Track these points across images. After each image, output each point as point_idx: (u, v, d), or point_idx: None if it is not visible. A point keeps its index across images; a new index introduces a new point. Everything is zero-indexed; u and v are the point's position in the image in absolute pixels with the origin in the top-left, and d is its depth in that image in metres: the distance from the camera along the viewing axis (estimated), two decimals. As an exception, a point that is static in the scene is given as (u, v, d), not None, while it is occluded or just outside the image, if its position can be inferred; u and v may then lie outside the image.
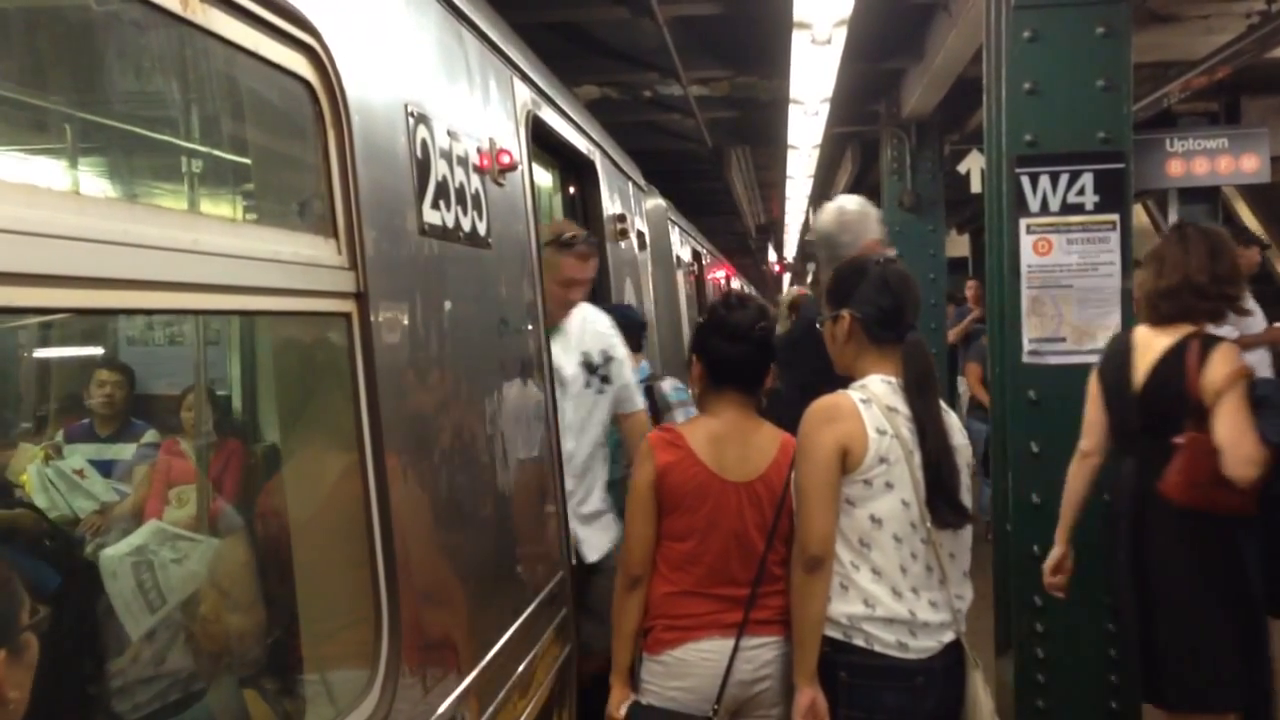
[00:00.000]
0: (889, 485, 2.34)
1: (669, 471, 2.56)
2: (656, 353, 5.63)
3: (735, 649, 2.48)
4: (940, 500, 2.36)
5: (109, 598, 2.67)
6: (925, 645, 2.35)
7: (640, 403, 3.65)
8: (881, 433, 2.35)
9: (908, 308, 2.51)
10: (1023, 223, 3.81)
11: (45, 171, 2.47)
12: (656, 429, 2.82)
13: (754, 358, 2.66)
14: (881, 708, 2.35)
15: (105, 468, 4.08)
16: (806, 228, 18.67)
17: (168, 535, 2.82)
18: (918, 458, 2.36)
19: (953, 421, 2.49)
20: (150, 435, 4.17)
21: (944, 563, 2.38)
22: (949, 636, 2.39)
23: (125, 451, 4.16)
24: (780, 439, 2.64)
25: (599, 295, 4.17)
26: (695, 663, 2.51)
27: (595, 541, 3.38)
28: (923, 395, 2.42)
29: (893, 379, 2.45)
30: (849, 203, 3.42)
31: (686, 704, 2.50)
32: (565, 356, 3.40)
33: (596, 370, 3.45)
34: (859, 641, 2.35)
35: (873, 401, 2.39)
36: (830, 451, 2.34)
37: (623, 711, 2.54)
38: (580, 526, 3.30)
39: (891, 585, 2.33)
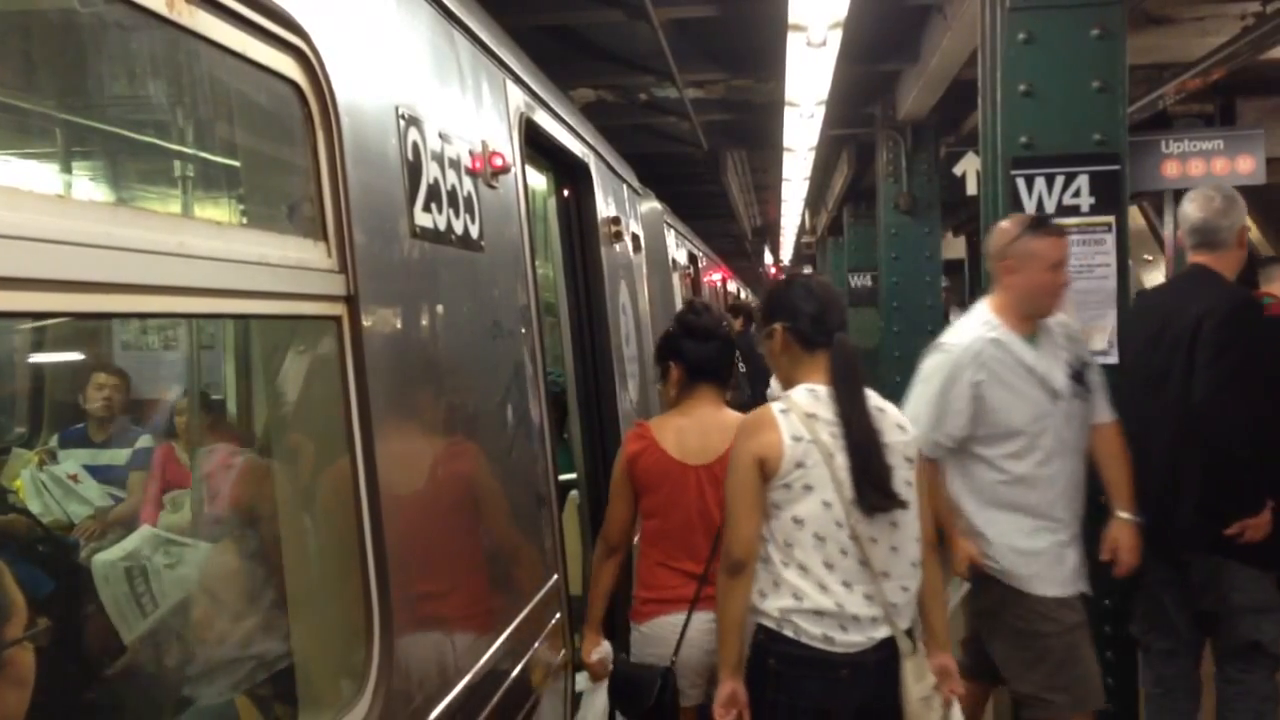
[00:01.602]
0: (808, 488, 2.48)
1: (636, 459, 3.00)
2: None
3: (688, 618, 2.92)
4: (867, 488, 2.46)
5: (102, 602, 2.66)
6: (854, 640, 2.48)
7: (1111, 412, 3.34)
8: (797, 439, 2.49)
9: (833, 312, 2.68)
10: (1018, 224, 3.80)
11: (29, 174, 2.46)
12: (634, 425, 3.20)
13: (724, 352, 3.13)
14: (805, 694, 2.50)
15: (100, 473, 4.07)
16: (803, 230, 18.67)
17: (160, 541, 2.81)
18: (839, 459, 2.48)
19: (890, 418, 2.59)
20: (145, 440, 4.16)
21: (878, 557, 2.49)
22: (883, 632, 2.50)
23: (120, 456, 4.15)
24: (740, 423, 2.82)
25: (592, 300, 4.16)
26: (663, 634, 2.96)
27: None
28: (849, 392, 2.54)
29: (819, 387, 2.57)
30: (1220, 190, 3.64)
31: (659, 661, 2.94)
32: (1053, 363, 3.19)
33: (1081, 377, 3.24)
34: (788, 632, 2.50)
35: (791, 410, 2.53)
36: (749, 462, 2.51)
37: (594, 657, 3.02)
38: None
39: (818, 580, 2.47)
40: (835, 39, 5.33)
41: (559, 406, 3.97)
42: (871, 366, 11.03)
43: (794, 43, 5.42)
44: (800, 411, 2.52)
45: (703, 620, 2.88)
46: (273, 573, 1.92)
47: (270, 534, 1.93)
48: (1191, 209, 3.58)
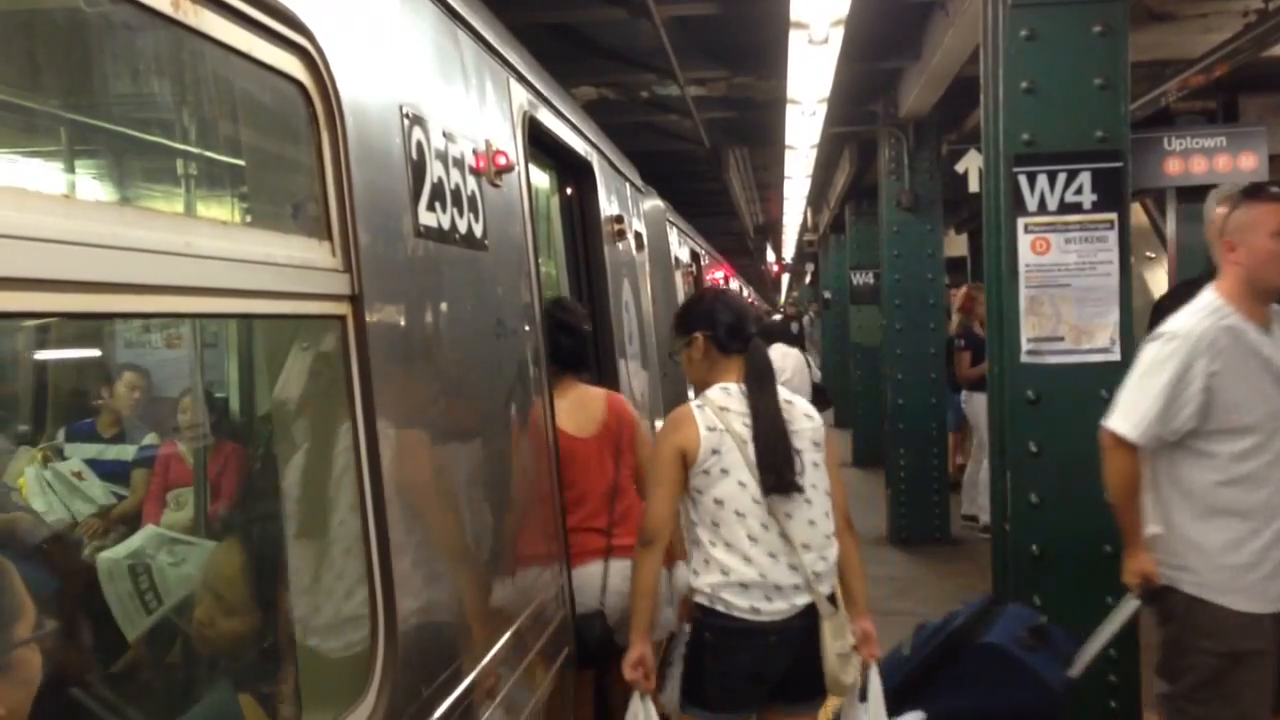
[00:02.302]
0: (725, 471, 2.79)
1: (561, 441, 3.13)
2: (655, 352, 5.62)
3: (605, 566, 3.24)
4: (769, 474, 2.78)
5: (106, 601, 2.66)
6: (779, 608, 2.76)
7: None
8: (712, 429, 2.82)
9: (746, 322, 3.05)
10: (1020, 222, 3.81)
11: (35, 174, 2.47)
12: None
13: (586, 344, 3.51)
14: (739, 662, 2.78)
15: (106, 468, 4.08)
16: (805, 228, 18.66)
17: (165, 540, 2.81)
18: (752, 446, 2.80)
19: (798, 409, 2.94)
20: (151, 437, 4.17)
21: (797, 531, 2.79)
22: (804, 598, 2.78)
23: (127, 452, 4.16)
24: (605, 398, 3.45)
25: (596, 297, 4.16)
26: (586, 583, 3.20)
27: None
28: (761, 388, 2.90)
29: (732, 385, 2.92)
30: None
31: (591, 608, 3.18)
32: None
33: None
34: (720, 608, 2.77)
35: (706, 406, 2.88)
36: (670, 454, 2.83)
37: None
38: None
39: (743, 554, 2.76)
40: (837, 36, 5.32)
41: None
42: (873, 365, 11.04)
43: (796, 40, 5.41)
44: (714, 406, 2.86)
45: (620, 568, 3.19)
46: (277, 571, 1.92)
47: (274, 532, 1.93)
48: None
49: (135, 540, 2.84)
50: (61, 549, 3.25)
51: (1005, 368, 3.87)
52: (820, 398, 8.97)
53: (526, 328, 2.74)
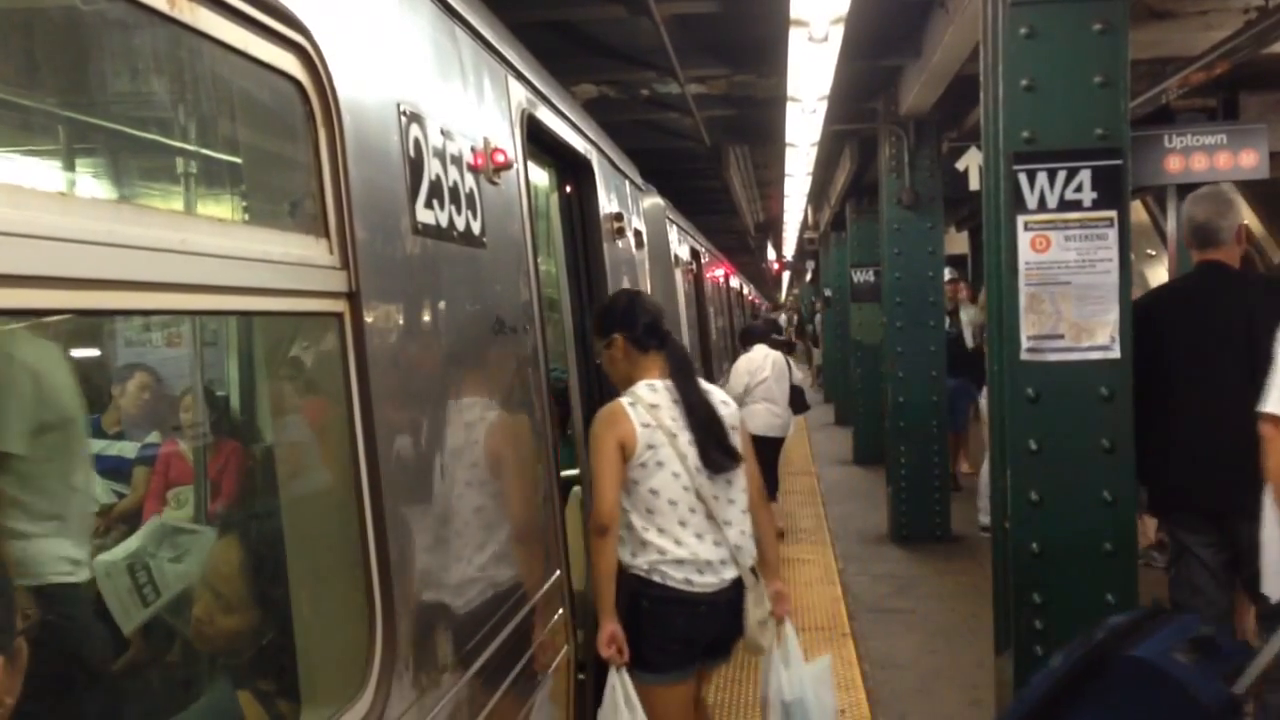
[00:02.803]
0: (660, 464, 3.09)
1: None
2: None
3: None
4: (715, 452, 3.13)
5: (104, 597, 2.67)
6: (709, 581, 3.10)
7: None
8: (646, 426, 3.10)
9: (661, 320, 3.32)
10: (1020, 220, 3.80)
11: (33, 172, 2.47)
12: None
13: None
14: (673, 626, 3.09)
15: (108, 464, 4.08)
16: (805, 226, 18.65)
17: (168, 531, 2.82)
18: (681, 438, 3.11)
19: (716, 397, 3.29)
20: (153, 435, 4.17)
21: (721, 511, 3.13)
22: (731, 573, 3.14)
23: (129, 449, 4.16)
24: None
25: (595, 296, 4.16)
26: None
27: None
28: (685, 380, 3.23)
29: (657, 381, 3.21)
30: (1218, 193, 3.89)
31: None
32: None
33: None
34: (656, 579, 3.07)
35: (638, 403, 3.14)
36: (611, 448, 3.06)
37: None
38: None
39: (674, 537, 3.08)
40: (837, 34, 5.32)
41: (561, 402, 3.97)
42: (874, 363, 11.03)
43: (796, 38, 5.41)
44: (645, 404, 3.13)
45: None
46: (275, 568, 1.92)
47: (272, 529, 1.93)
48: (1195, 211, 3.84)
49: (136, 538, 2.85)
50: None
51: (1005, 366, 3.87)
52: (798, 399, 9.04)
53: (525, 325, 2.74)
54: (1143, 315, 3.90)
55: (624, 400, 3.17)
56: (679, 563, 3.07)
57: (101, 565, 2.67)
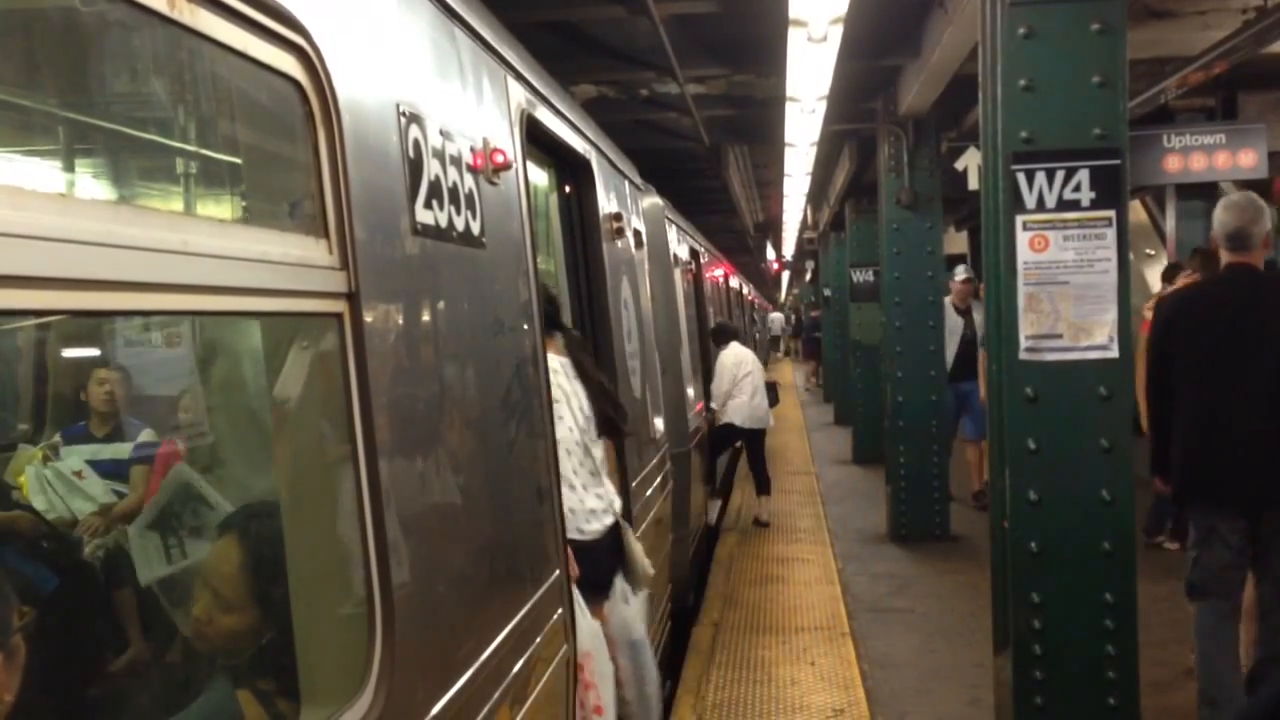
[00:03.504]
0: (560, 418, 3.36)
1: None
2: (653, 349, 5.63)
3: None
4: (613, 410, 3.62)
5: (105, 599, 2.67)
6: (595, 528, 3.49)
7: None
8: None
9: (559, 311, 3.58)
10: (1019, 219, 3.81)
11: (32, 173, 2.47)
12: None
13: None
14: (582, 569, 3.35)
15: (104, 468, 4.08)
16: (805, 225, 18.65)
17: (192, 489, 2.90)
18: (576, 400, 3.50)
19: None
20: (146, 434, 4.17)
21: (599, 468, 3.56)
22: (609, 520, 3.55)
23: (123, 450, 4.16)
24: None
25: (595, 295, 4.16)
26: None
27: None
28: (582, 359, 3.60)
29: (555, 356, 3.48)
30: (1251, 200, 4.15)
31: None
32: None
33: None
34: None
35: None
36: None
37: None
38: None
39: (568, 485, 3.38)
40: (836, 34, 5.32)
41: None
42: (873, 362, 11.03)
43: (795, 38, 5.41)
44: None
45: None
46: (275, 568, 1.92)
47: (272, 530, 1.93)
48: (1228, 217, 4.10)
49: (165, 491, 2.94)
50: (61, 547, 3.26)
51: (1004, 365, 3.88)
52: (771, 393, 9.50)
53: (525, 325, 2.74)
54: (1171, 315, 4.23)
55: None
56: (571, 512, 3.39)
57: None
